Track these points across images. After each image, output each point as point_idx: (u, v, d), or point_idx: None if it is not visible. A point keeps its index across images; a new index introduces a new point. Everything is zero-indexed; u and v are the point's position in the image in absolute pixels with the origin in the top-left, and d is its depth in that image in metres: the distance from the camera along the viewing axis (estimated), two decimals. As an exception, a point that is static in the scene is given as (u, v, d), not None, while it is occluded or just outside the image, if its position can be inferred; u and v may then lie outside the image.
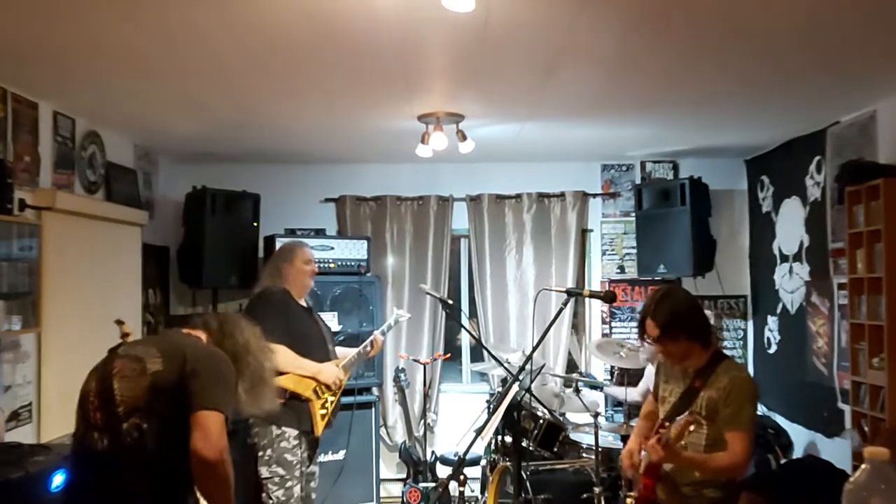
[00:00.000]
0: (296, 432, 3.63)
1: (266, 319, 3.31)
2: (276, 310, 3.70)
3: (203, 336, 2.36)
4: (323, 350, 3.85)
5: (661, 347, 2.73)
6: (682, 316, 2.71)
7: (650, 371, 4.87)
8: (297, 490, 3.61)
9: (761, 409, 5.65)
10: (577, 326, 6.21)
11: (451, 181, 6.03)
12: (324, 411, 3.71)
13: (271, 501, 3.59)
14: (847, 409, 4.32)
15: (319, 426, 3.69)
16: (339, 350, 4.11)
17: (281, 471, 3.58)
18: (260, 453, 3.61)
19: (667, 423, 2.60)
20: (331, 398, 3.76)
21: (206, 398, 2.10)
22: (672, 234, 5.48)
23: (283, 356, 3.54)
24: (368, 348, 4.02)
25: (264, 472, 3.60)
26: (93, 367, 2.26)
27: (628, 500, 2.78)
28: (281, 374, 3.55)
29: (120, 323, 3.49)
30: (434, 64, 3.52)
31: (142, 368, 2.15)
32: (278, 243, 5.28)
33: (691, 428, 2.50)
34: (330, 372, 3.74)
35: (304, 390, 3.65)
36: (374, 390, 5.58)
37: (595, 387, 5.15)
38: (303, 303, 3.94)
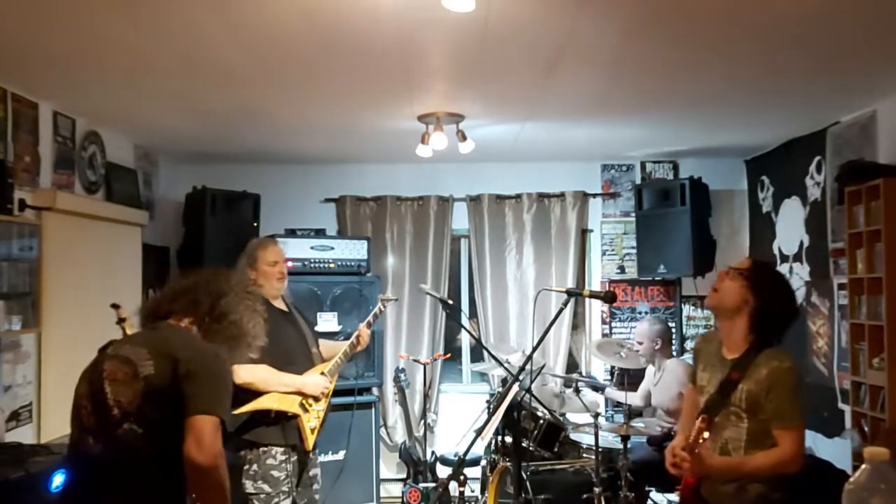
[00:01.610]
0: (282, 448, 3.47)
1: None
2: None
3: (190, 323, 2.28)
4: (305, 357, 3.65)
5: (724, 279, 2.56)
6: (776, 290, 2.55)
7: (650, 372, 4.87)
8: None
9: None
10: (578, 326, 6.21)
11: (451, 181, 6.03)
12: (313, 424, 3.56)
13: None
14: (847, 409, 4.32)
15: (310, 440, 3.53)
16: (326, 344, 3.94)
17: (267, 488, 3.42)
18: (245, 466, 3.44)
19: (703, 416, 2.44)
20: (319, 408, 3.60)
21: (200, 402, 2.06)
22: (672, 234, 5.48)
23: (263, 376, 3.41)
24: (355, 343, 3.82)
25: (249, 486, 3.42)
26: (84, 368, 2.21)
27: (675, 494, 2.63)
28: (264, 393, 3.44)
29: (116, 307, 3.40)
30: (434, 64, 3.52)
31: (133, 372, 2.09)
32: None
33: (705, 435, 2.32)
34: (315, 384, 3.56)
35: (290, 406, 3.48)
36: (374, 390, 5.57)
37: (596, 388, 5.16)
38: (281, 305, 3.70)
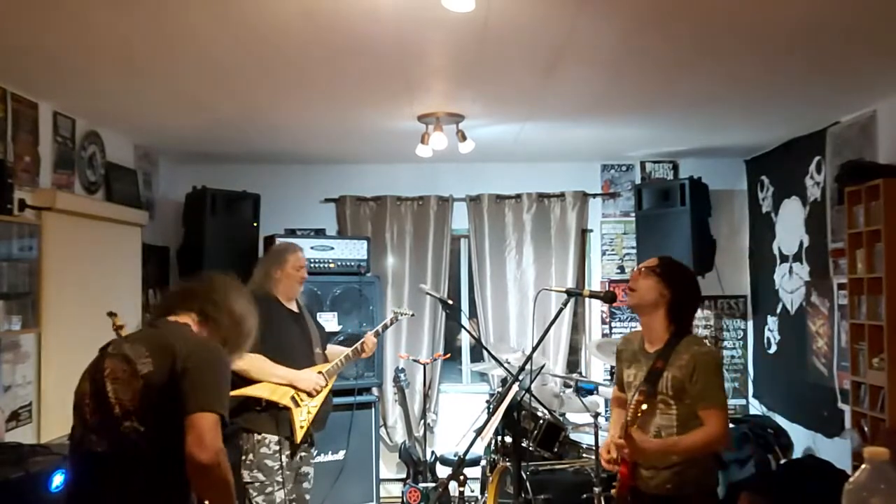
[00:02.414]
0: (276, 438, 3.60)
1: None
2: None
3: (190, 321, 2.29)
4: (307, 355, 3.79)
5: (638, 278, 2.70)
6: (685, 278, 2.71)
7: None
8: (279, 495, 3.58)
9: (761, 410, 5.66)
10: (577, 326, 6.21)
11: (451, 181, 6.03)
12: (303, 418, 3.66)
13: None
14: (847, 409, 4.32)
15: (298, 433, 3.64)
16: (333, 348, 4.08)
17: (261, 476, 3.56)
18: (242, 457, 3.59)
19: (640, 390, 2.57)
20: (312, 404, 3.71)
21: (198, 399, 2.06)
22: (672, 234, 5.48)
23: (259, 365, 3.54)
24: (360, 350, 3.95)
25: (246, 476, 3.57)
26: (86, 367, 2.22)
27: (613, 491, 2.73)
28: (256, 382, 3.56)
29: (112, 315, 3.43)
30: (434, 64, 3.52)
31: (132, 370, 2.10)
32: (278, 244, 5.30)
33: (643, 407, 2.47)
34: (308, 380, 3.68)
35: (281, 398, 3.60)
36: (374, 390, 5.58)
37: (590, 391, 5.13)
38: (293, 306, 3.88)
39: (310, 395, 3.69)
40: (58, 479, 2.95)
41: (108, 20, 2.87)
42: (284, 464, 3.61)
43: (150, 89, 3.86)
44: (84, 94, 3.96)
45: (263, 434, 3.58)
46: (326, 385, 3.78)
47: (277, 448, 3.59)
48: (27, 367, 3.84)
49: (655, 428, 2.61)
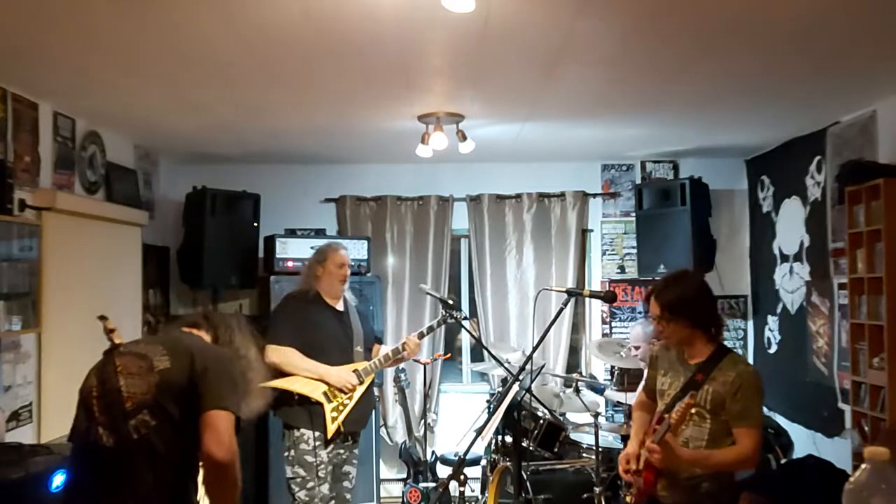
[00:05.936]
0: (314, 434, 3.68)
1: (282, 321, 3.72)
2: (292, 313, 3.81)
3: (205, 335, 2.35)
4: (342, 353, 3.84)
5: (660, 328, 2.70)
6: (690, 301, 2.66)
7: (650, 372, 4.86)
8: (322, 489, 3.65)
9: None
10: (578, 326, 6.21)
11: (452, 181, 6.03)
12: (335, 414, 3.71)
13: (295, 501, 3.68)
14: (847, 408, 4.32)
15: (330, 429, 3.69)
16: (382, 349, 4.05)
17: (302, 472, 3.66)
18: (284, 453, 3.73)
19: (666, 415, 2.55)
20: (345, 400, 3.74)
21: (216, 398, 2.09)
22: (672, 233, 5.48)
23: (289, 358, 3.67)
24: (400, 350, 3.93)
25: (288, 471, 3.70)
26: (91, 367, 2.24)
27: (628, 499, 2.74)
28: (287, 375, 3.66)
29: (103, 318, 3.43)
30: (434, 64, 3.52)
31: (149, 365, 2.13)
32: (278, 243, 5.32)
33: (693, 410, 2.49)
34: (338, 376, 3.73)
35: (312, 392, 3.66)
36: (375, 390, 5.57)
37: (596, 390, 5.17)
38: (338, 304, 3.94)
39: (342, 391, 3.74)
40: (58, 480, 2.95)
41: (109, 20, 2.87)
42: (325, 459, 3.68)
43: (150, 89, 3.86)
44: (84, 94, 3.96)
45: (301, 430, 3.67)
46: (361, 384, 3.82)
47: (317, 444, 3.68)
48: (27, 367, 3.84)
49: (684, 439, 2.60)
